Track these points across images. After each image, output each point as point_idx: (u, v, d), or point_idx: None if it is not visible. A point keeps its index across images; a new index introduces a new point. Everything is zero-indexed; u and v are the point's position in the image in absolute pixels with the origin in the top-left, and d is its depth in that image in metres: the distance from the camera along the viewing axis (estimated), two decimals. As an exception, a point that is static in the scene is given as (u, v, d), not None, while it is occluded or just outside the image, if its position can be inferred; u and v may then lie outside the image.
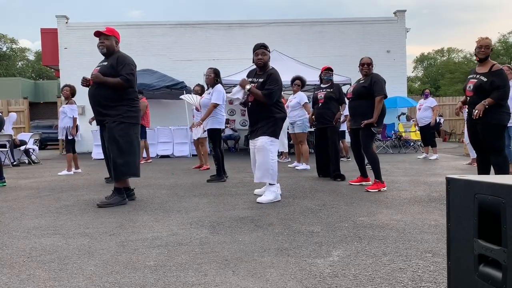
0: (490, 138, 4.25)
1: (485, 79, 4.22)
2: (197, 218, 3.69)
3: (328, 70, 6.51)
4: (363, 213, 3.78)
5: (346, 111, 8.48)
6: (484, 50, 4.27)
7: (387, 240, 2.89)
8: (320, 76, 6.63)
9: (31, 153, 10.78)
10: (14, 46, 42.66)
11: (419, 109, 9.85)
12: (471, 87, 4.31)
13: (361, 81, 5.27)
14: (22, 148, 10.45)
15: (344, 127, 8.62)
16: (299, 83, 7.66)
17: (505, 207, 1.39)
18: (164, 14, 77.57)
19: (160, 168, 8.53)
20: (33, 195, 5.27)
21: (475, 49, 4.34)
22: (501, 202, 1.40)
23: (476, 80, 4.28)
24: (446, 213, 1.73)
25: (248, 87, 4.42)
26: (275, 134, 4.49)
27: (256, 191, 4.88)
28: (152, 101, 13.86)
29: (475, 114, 4.18)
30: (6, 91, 25.13)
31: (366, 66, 5.22)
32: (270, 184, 4.47)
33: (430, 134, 10.02)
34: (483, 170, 4.46)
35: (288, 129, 8.25)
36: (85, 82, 4.50)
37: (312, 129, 7.11)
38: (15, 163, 10.08)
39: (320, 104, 6.37)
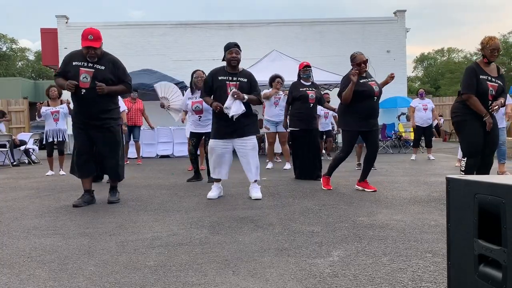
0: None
1: (501, 83, 4.23)
2: (197, 218, 3.69)
3: (307, 67, 6.29)
4: (363, 213, 3.78)
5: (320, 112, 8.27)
6: (497, 53, 4.18)
7: (387, 240, 2.89)
8: (298, 73, 6.36)
9: (31, 153, 10.78)
10: (14, 46, 42.68)
11: (425, 110, 9.58)
12: (493, 92, 4.15)
13: (368, 79, 4.91)
14: (22, 148, 10.45)
15: (325, 127, 8.64)
16: (280, 81, 7.58)
17: (505, 207, 1.39)
18: (164, 14, 77.64)
19: (160, 168, 8.53)
20: (33, 195, 5.27)
21: (487, 50, 4.15)
22: (501, 202, 1.41)
23: (497, 85, 4.20)
24: (446, 213, 1.73)
25: (246, 98, 4.52)
26: (258, 132, 4.81)
27: (210, 195, 4.68)
28: (152, 101, 13.84)
29: (496, 108, 4.10)
30: (6, 91, 25.12)
31: (364, 64, 4.83)
32: (256, 181, 4.73)
33: (431, 135, 9.98)
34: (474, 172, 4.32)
35: (266, 128, 7.94)
36: (74, 86, 4.19)
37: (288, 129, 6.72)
38: (15, 163, 10.08)
39: (312, 104, 6.17)
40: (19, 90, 27.04)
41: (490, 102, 4.16)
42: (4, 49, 41.43)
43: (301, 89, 6.20)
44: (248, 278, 2.23)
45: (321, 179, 5.36)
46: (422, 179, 6.09)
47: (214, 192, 4.70)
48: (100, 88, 4.21)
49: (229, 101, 4.48)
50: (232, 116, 4.44)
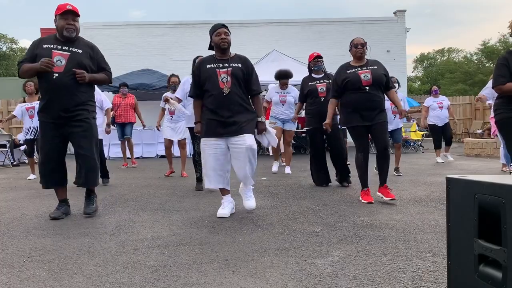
0: None
1: None
2: (197, 218, 3.69)
3: (318, 58, 5.70)
4: (363, 213, 3.78)
5: None
6: None
7: (387, 240, 2.89)
8: (309, 66, 5.82)
9: (31, 153, 10.77)
10: (14, 46, 42.70)
11: (441, 108, 8.80)
12: None
13: (362, 67, 4.41)
14: (22, 148, 10.45)
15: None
16: (286, 82, 7.06)
17: (505, 207, 1.39)
18: (164, 14, 77.67)
19: (160, 168, 8.52)
20: (33, 195, 5.27)
21: None
22: (501, 202, 1.40)
23: None
24: (446, 213, 1.73)
25: (266, 125, 3.97)
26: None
27: (221, 212, 3.81)
28: (152, 101, 13.85)
29: None
30: (6, 91, 25.08)
31: (360, 47, 4.42)
32: (250, 186, 3.99)
33: (451, 133, 9.19)
34: None
35: (272, 123, 7.17)
36: (50, 64, 3.55)
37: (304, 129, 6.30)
38: (15, 163, 10.09)
39: (323, 98, 5.47)
40: (19, 90, 26.95)
41: None
42: (4, 49, 41.44)
43: (310, 83, 5.66)
44: (248, 278, 2.23)
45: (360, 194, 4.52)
46: (422, 179, 6.08)
47: (226, 208, 3.83)
48: (81, 75, 3.65)
49: (264, 141, 3.95)
50: (229, 115, 3.74)
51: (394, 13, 16.89)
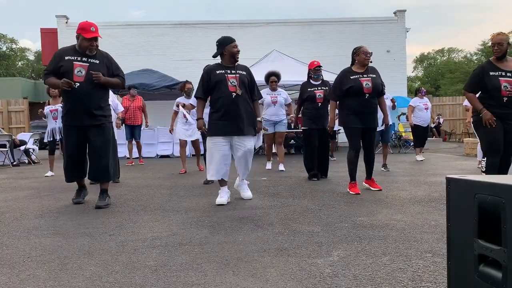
0: None
1: None
2: (197, 218, 3.69)
3: (318, 67, 6.29)
4: (363, 213, 3.78)
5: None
6: (498, 48, 4.06)
7: (387, 240, 2.89)
8: (309, 73, 6.38)
9: (31, 153, 10.78)
10: (14, 46, 42.70)
11: (426, 109, 9.08)
12: (509, 87, 4.04)
13: (364, 74, 4.81)
14: (22, 148, 10.46)
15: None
16: (275, 79, 7.39)
17: (505, 207, 1.39)
18: (165, 14, 77.69)
19: (160, 168, 8.52)
20: (33, 195, 5.27)
21: (492, 47, 4.15)
22: (501, 202, 1.40)
23: None
24: (446, 213, 1.73)
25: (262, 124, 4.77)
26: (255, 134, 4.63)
27: (220, 200, 4.39)
28: (152, 102, 13.87)
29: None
30: (6, 91, 25.12)
31: (369, 55, 4.83)
32: (245, 180, 4.73)
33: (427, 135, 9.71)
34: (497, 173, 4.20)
35: (265, 129, 7.41)
36: (69, 84, 4.08)
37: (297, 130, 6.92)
38: (15, 163, 10.08)
39: (320, 104, 6.15)
40: (19, 90, 27.02)
41: (505, 98, 4.05)
42: (4, 49, 41.43)
43: (309, 89, 6.25)
44: (248, 278, 2.23)
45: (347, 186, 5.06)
46: (422, 179, 6.08)
47: (224, 197, 4.41)
48: (97, 76, 4.16)
49: (258, 140, 4.90)
50: (236, 116, 4.29)
51: (394, 13, 16.89)
